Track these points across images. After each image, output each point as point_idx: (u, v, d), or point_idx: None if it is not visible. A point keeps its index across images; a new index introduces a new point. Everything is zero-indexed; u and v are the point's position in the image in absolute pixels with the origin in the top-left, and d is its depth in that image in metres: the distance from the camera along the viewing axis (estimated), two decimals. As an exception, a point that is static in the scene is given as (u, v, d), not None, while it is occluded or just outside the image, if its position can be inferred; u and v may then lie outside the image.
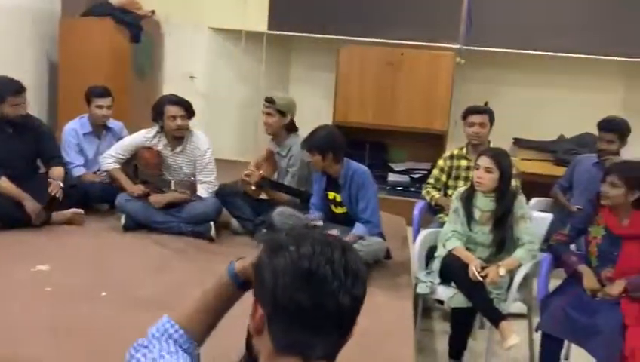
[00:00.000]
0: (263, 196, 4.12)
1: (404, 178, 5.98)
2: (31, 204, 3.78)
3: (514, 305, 3.18)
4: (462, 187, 3.49)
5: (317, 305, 1.01)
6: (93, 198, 4.26)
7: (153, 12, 6.12)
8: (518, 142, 5.98)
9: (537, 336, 3.04)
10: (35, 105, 4.83)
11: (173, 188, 4.11)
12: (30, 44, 5.52)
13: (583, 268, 2.97)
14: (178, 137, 4.05)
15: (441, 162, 4.00)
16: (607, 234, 2.94)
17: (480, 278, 2.99)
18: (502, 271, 3.01)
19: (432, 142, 5.69)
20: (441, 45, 5.76)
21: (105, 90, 4.36)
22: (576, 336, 2.84)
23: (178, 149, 4.09)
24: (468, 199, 3.25)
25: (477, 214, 3.22)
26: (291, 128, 4.02)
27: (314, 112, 5.50)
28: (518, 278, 3.11)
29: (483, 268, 3.04)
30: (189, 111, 4.01)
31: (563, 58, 5.67)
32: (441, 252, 3.24)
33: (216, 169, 4.12)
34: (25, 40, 5.45)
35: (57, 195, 3.90)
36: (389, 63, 5.67)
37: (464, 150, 3.93)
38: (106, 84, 4.48)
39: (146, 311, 2.55)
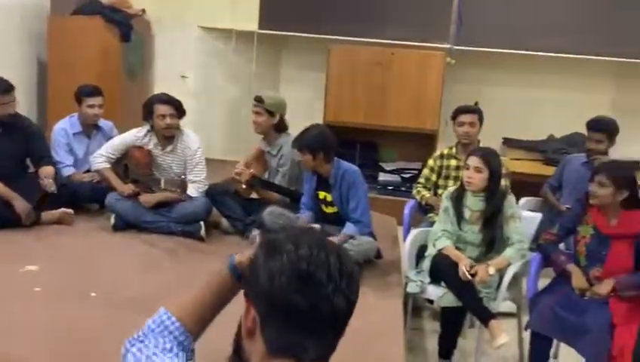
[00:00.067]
0: (254, 195, 4.12)
1: (395, 177, 5.99)
2: (21, 204, 3.76)
3: (503, 304, 3.19)
4: (452, 186, 3.50)
5: (313, 306, 1.00)
6: (82, 198, 4.25)
7: (143, 11, 6.10)
8: (508, 142, 6.01)
9: (527, 335, 3.05)
10: (24, 105, 4.80)
11: (163, 186, 4.10)
12: (19, 43, 5.49)
13: (571, 268, 2.98)
14: (168, 136, 4.04)
15: (431, 162, 4.02)
16: (596, 233, 2.95)
17: (469, 277, 3.00)
18: (491, 270, 3.02)
19: (423, 142, 5.71)
20: (432, 45, 5.78)
21: (96, 89, 4.34)
22: (565, 335, 2.85)
23: (168, 149, 4.08)
24: (458, 198, 3.26)
25: (467, 214, 3.24)
26: (281, 128, 4.01)
27: (305, 112, 5.50)
28: (507, 277, 3.12)
29: (472, 267, 3.05)
30: (179, 110, 4.00)
31: (553, 58, 5.70)
32: (431, 251, 3.25)
33: (207, 168, 4.12)
34: (14, 38, 5.41)
35: (52, 190, 3.87)
36: (379, 63, 5.68)
37: (454, 150, 3.95)
38: (96, 84, 4.46)
39: (135, 311, 2.53)
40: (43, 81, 5.70)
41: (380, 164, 6.13)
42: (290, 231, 1.10)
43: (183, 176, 4.09)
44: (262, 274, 1.03)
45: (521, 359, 3.33)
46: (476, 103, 4.55)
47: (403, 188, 5.81)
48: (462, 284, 3.03)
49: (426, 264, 3.24)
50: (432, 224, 3.54)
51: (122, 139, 4.18)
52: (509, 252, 3.13)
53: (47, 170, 3.98)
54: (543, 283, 3.22)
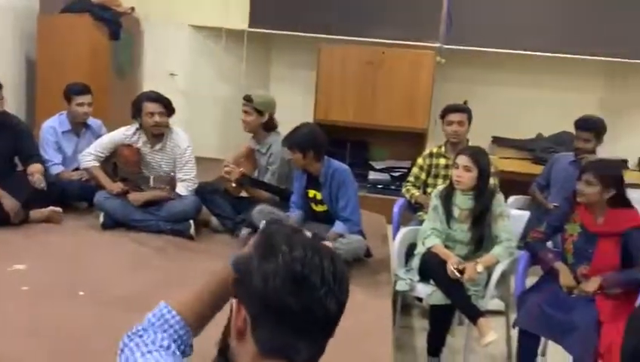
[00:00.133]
0: (243, 194, 4.11)
1: (385, 176, 6.00)
2: (9, 202, 3.74)
3: (492, 302, 3.22)
4: (441, 185, 3.52)
5: (306, 309, 1.01)
6: (71, 196, 4.23)
7: (133, 9, 6.06)
8: (497, 141, 6.04)
9: (515, 333, 3.07)
10: (12, 103, 4.76)
11: (152, 183, 4.09)
12: (8, 41, 5.44)
13: (559, 265, 3.00)
14: (157, 135, 4.02)
15: (420, 160, 4.03)
16: (583, 231, 2.98)
17: (458, 275, 3.02)
18: (479, 268, 3.04)
19: (413, 141, 5.72)
20: (422, 44, 5.79)
21: (85, 87, 4.33)
22: (552, 333, 2.87)
23: (158, 147, 4.07)
24: (447, 197, 3.28)
25: (456, 212, 3.25)
26: (270, 126, 4.00)
27: (295, 110, 5.48)
28: (495, 275, 3.14)
29: (461, 265, 3.06)
30: (168, 108, 3.98)
31: (541, 58, 5.73)
32: (420, 249, 3.27)
33: (197, 167, 4.10)
34: (2, 36, 5.38)
35: (42, 186, 3.85)
36: (369, 62, 5.69)
37: (443, 148, 3.96)
38: (85, 82, 4.43)
39: (124, 310, 2.53)
40: (32, 79, 5.66)
41: (370, 162, 6.14)
42: (283, 231, 1.10)
43: (172, 173, 4.08)
44: (256, 276, 1.03)
45: (509, 356, 3.35)
46: (465, 102, 4.56)
47: (393, 187, 5.81)
48: (450, 282, 3.04)
49: (415, 262, 3.26)
50: (421, 222, 3.55)
51: (111, 138, 4.16)
52: (497, 250, 3.14)
53: (36, 167, 3.96)
54: (530, 281, 3.24)
